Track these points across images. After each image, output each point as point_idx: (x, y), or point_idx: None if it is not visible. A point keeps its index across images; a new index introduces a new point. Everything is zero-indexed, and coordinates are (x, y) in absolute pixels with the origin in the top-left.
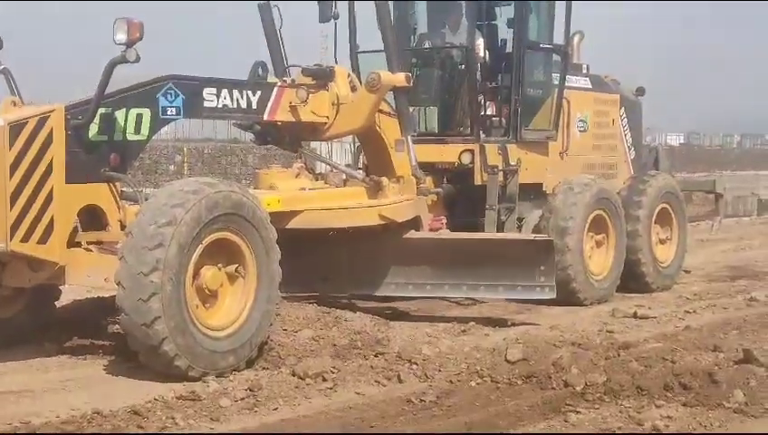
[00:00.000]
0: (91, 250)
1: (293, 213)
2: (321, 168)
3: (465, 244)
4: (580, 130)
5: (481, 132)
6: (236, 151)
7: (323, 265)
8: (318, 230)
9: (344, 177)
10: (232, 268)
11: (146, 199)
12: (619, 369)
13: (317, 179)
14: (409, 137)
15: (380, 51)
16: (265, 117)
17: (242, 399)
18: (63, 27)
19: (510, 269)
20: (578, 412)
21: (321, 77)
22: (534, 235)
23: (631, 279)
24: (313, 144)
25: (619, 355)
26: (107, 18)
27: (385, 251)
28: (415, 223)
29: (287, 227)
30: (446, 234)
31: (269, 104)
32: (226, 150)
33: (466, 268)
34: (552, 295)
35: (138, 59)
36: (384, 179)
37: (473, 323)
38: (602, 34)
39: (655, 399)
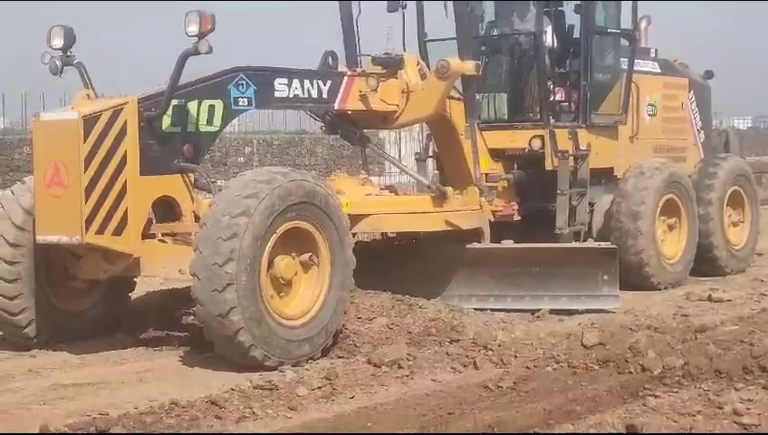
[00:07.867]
0: (166, 241)
1: (361, 216)
2: (387, 167)
3: (528, 253)
4: (649, 114)
5: (550, 117)
6: (305, 142)
7: (386, 276)
8: (383, 243)
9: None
10: (306, 257)
11: (219, 190)
12: (697, 352)
13: (382, 189)
14: (476, 125)
15: (448, 39)
16: (336, 106)
17: (318, 387)
18: (136, 20)
19: (573, 279)
20: (656, 396)
21: (391, 65)
22: (598, 243)
23: (704, 262)
24: (381, 133)
25: (695, 338)
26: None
27: (447, 262)
28: (477, 235)
29: (354, 230)
30: (508, 244)
31: (339, 93)
32: (295, 142)
33: (529, 279)
34: (617, 305)
35: (210, 50)
36: (449, 189)
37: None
38: (670, 18)
39: (734, 382)
